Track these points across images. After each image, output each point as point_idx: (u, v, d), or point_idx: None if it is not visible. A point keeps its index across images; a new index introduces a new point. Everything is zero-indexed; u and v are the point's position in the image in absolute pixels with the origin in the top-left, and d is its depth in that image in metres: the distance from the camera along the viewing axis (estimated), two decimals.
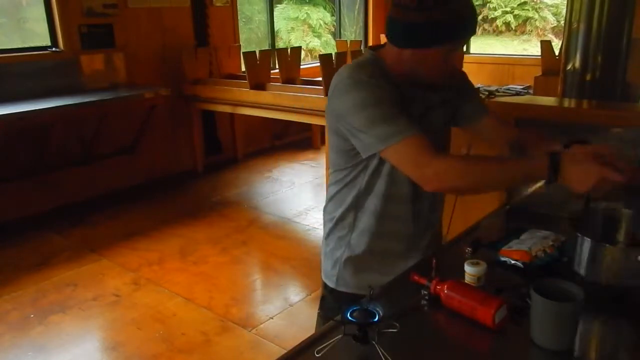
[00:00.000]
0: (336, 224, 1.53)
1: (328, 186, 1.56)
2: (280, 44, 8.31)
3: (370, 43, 8.01)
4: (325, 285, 1.60)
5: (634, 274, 1.20)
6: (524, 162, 1.29)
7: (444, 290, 1.24)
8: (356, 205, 1.48)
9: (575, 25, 2.35)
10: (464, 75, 1.57)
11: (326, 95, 1.56)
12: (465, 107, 1.54)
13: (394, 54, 1.35)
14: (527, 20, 12.06)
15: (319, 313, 1.64)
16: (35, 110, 3.85)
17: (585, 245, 1.27)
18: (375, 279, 1.46)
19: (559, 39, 9.09)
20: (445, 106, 1.47)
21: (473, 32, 1.30)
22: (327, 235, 1.57)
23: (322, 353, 1.07)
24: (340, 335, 1.08)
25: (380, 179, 1.42)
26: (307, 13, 10.45)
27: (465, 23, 1.26)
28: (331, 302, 1.58)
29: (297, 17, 10.46)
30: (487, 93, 2.13)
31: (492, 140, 1.63)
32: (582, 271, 1.28)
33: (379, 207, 1.45)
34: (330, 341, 1.08)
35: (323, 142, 5.95)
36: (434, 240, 1.61)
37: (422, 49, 1.29)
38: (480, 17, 11.61)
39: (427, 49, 1.29)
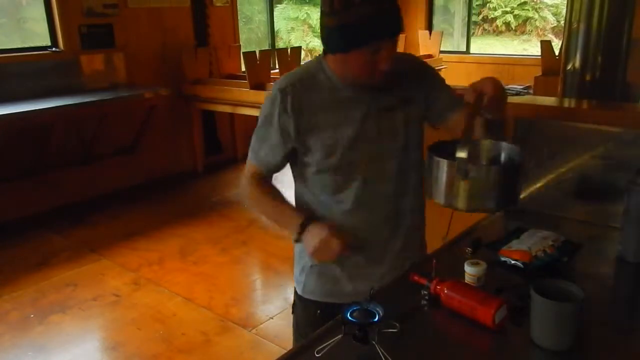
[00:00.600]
0: None
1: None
2: (280, 44, 8.31)
3: None
4: (295, 290, 1.57)
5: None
6: (287, 216, 1.42)
7: (444, 290, 1.24)
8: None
9: (575, 25, 2.35)
10: (429, 71, 1.47)
11: None
12: (435, 104, 1.46)
13: (330, 58, 1.33)
14: (527, 20, 12.07)
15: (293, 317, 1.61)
16: (35, 110, 3.85)
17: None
18: (343, 288, 1.44)
19: (559, 39, 9.09)
20: (409, 105, 1.41)
21: (391, 32, 1.23)
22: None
23: (322, 353, 1.08)
24: (340, 336, 1.08)
25: (325, 187, 1.39)
26: (307, 13, 10.46)
27: (375, 23, 1.19)
28: (300, 309, 1.55)
29: (297, 17, 10.47)
30: None
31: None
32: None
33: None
34: (330, 341, 1.08)
35: None
36: (410, 244, 1.54)
37: (343, 54, 1.26)
38: (480, 17, 11.62)
39: (346, 53, 1.25)
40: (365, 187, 1.37)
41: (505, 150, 1.31)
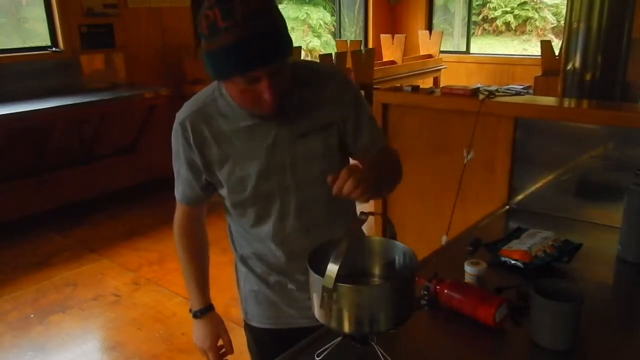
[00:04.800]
0: (233, 251, 1.44)
1: None
2: None
3: (370, 43, 8.01)
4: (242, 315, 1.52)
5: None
6: (190, 293, 1.44)
7: (444, 290, 1.25)
8: (234, 236, 1.41)
9: (575, 25, 2.35)
10: (354, 100, 1.28)
11: None
12: (357, 139, 1.29)
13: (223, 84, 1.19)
14: (527, 20, 12.07)
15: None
16: (35, 110, 3.85)
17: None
18: (283, 313, 1.38)
19: (559, 39, 9.09)
20: (327, 131, 1.24)
21: (261, 61, 1.04)
22: (234, 261, 1.46)
23: (322, 356, 1.07)
24: (339, 338, 1.08)
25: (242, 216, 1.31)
26: (307, 13, 10.46)
27: (239, 52, 1.03)
28: (249, 336, 1.50)
29: (297, 17, 10.47)
30: (487, 93, 2.13)
31: None
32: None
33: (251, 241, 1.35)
34: (330, 344, 1.08)
35: None
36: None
37: (221, 81, 1.16)
38: (480, 17, 11.62)
39: (224, 81, 1.14)
40: (283, 220, 1.27)
41: (399, 253, 1.12)
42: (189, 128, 1.22)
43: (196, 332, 1.43)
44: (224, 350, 1.44)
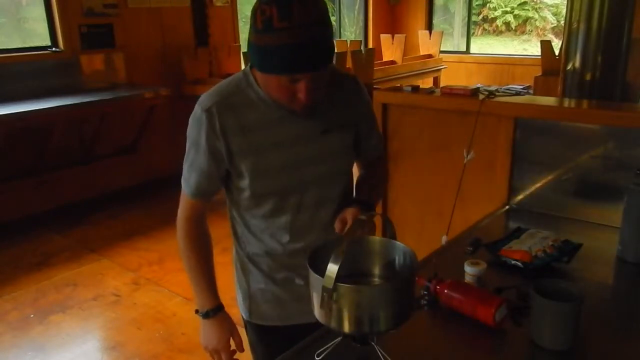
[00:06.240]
0: (236, 249, 1.43)
1: None
2: None
3: (370, 43, 8.01)
4: (242, 316, 1.49)
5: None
6: (198, 292, 1.40)
7: (444, 290, 1.25)
8: (240, 234, 1.39)
9: (575, 25, 2.34)
10: (366, 104, 1.38)
11: None
12: (362, 141, 1.37)
13: (256, 73, 1.21)
14: (527, 20, 12.07)
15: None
16: (35, 110, 3.85)
17: None
18: (289, 310, 1.38)
19: (559, 39, 9.09)
20: (344, 130, 1.31)
21: (309, 67, 1.09)
22: (233, 258, 1.46)
23: (322, 356, 1.07)
24: (339, 338, 1.08)
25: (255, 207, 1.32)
26: None
27: (291, 55, 1.07)
28: (253, 336, 1.48)
29: None
30: (487, 93, 2.13)
31: None
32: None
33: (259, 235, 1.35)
34: (330, 344, 1.08)
35: None
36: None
37: (262, 73, 1.16)
38: (480, 17, 11.62)
39: (265, 74, 1.15)
40: (300, 213, 1.29)
41: (399, 253, 1.12)
42: (216, 115, 1.21)
43: (206, 332, 1.39)
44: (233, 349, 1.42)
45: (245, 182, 1.26)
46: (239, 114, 1.22)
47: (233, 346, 1.40)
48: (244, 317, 1.48)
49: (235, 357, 1.42)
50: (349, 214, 1.19)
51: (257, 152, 1.23)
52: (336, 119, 1.28)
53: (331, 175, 1.30)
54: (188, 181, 1.32)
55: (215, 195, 1.36)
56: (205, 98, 1.24)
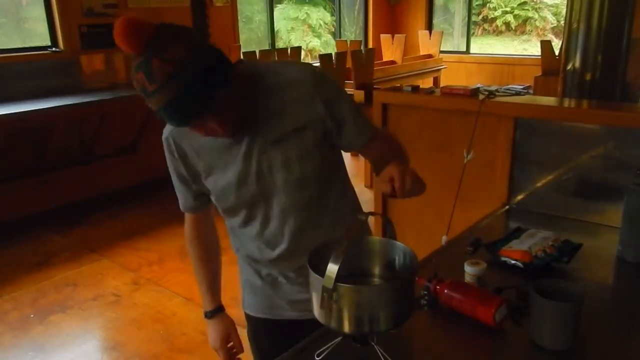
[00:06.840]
0: (233, 246, 1.48)
1: None
2: (280, 44, 8.31)
3: (370, 43, 8.01)
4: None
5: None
6: (202, 294, 1.50)
7: (444, 290, 1.25)
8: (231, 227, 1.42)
9: (575, 25, 2.35)
10: (328, 96, 1.23)
11: None
12: (341, 134, 1.27)
13: None
14: (527, 20, 12.06)
15: None
16: (35, 110, 3.85)
17: None
18: (276, 304, 1.42)
19: (559, 39, 9.09)
20: (303, 133, 1.22)
21: (185, 120, 1.10)
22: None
23: (322, 356, 1.07)
24: (339, 338, 1.08)
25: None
26: (307, 13, 10.45)
27: (167, 115, 1.12)
28: (248, 327, 1.55)
29: (297, 17, 10.46)
30: (487, 93, 2.13)
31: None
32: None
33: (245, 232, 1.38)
34: (330, 343, 1.08)
35: None
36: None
37: None
38: (480, 17, 11.62)
39: None
40: (268, 222, 1.30)
41: (399, 253, 1.12)
42: (173, 143, 1.28)
43: (209, 332, 1.50)
44: (235, 350, 1.50)
45: (213, 198, 1.33)
46: (191, 139, 1.26)
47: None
48: (242, 306, 1.54)
49: (238, 357, 1.49)
50: (389, 172, 1.09)
51: (215, 172, 1.28)
52: (289, 124, 1.21)
53: (295, 182, 1.24)
54: (178, 197, 1.42)
55: (204, 208, 1.42)
56: (166, 126, 1.29)
